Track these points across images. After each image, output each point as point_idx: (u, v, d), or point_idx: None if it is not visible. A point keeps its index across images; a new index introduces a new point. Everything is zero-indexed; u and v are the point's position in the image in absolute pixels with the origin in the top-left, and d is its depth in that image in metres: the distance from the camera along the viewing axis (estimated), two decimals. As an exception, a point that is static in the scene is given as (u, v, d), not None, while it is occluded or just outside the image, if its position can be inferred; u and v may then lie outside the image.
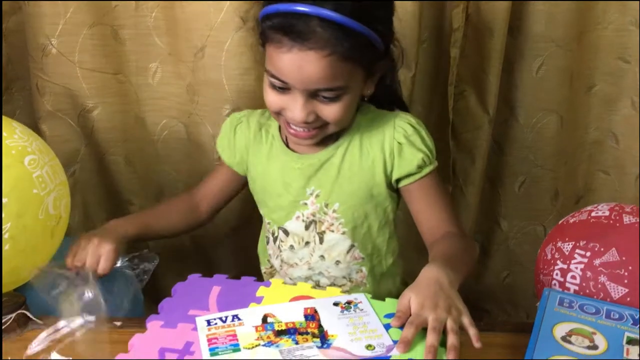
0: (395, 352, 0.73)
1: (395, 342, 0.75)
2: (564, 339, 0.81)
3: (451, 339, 0.74)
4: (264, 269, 1.19)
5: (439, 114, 1.41)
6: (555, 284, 0.98)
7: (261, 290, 0.86)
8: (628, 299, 0.91)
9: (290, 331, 0.77)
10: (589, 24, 1.35)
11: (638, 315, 0.85)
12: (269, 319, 0.80)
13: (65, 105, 1.31)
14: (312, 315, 0.80)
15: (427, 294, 0.78)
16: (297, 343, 0.75)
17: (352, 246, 1.05)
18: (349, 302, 0.83)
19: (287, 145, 1.06)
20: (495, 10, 1.27)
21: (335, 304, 0.83)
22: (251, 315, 0.80)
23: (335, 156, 1.01)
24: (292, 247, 1.08)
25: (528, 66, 1.35)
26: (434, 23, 1.35)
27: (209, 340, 0.76)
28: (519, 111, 1.40)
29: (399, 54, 1.03)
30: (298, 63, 0.87)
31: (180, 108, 1.35)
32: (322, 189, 1.02)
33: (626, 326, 0.84)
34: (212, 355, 0.73)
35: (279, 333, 0.77)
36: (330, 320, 0.80)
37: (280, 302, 0.83)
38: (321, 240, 1.05)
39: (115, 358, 0.73)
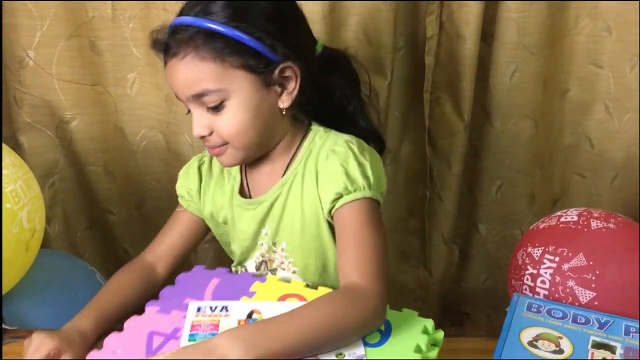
0: None
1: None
2: (530, 343, 0.84)
3: None
4: None
5: (415, 121, 1.44)
6: (526, 289, 1.01)
7: (255, 285, 0.89)
8: (596, 302, 0.94)
9: None
10: (562, 29, 1.38)
11: (604, 319, 0.88)
12: (254, 315, 0.82)
13: (43, 117, 1.33)
14: None
15: None
16: None
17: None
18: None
19: (245, 187, 1.02)
20: (468, 17, 1.29)
21: None
22: (240, 308, 0.83)
23: (282, 194, 0.96)
24: None
25: (502, 72, 1.38)
26: (410, 30, 1.37)
27: (192, 326, 0.80)
28: (494, 117, 1.42)
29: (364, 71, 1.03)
30: (170, 73, 0.89)
31: (159, 118, 1.38)
32: (270, 228, 0.99)
33: (592, 330, 0.87)
34: (189, 341, 0.77)
35: None
36: None
37: (269, 299, 0.86)
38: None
39: (110, 335, 0.79)
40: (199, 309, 0.83)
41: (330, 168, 0.90)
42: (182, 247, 1.05)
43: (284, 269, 1.00)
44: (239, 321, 0.81)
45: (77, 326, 0.86)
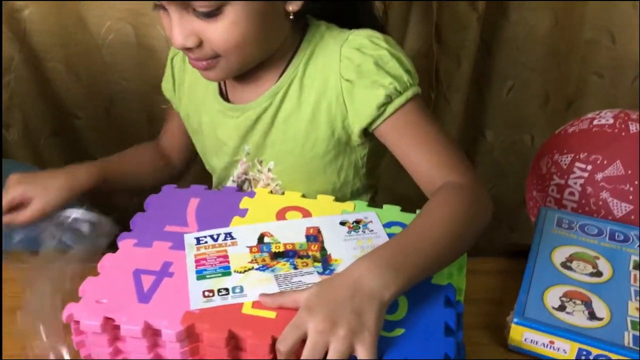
0: None
1: None
2: (564, 265, 0.74)
3: None
4: None
5: (421, 15, 1.28)
6: (550, 201, 0.90)
7: (245, 202, 0.77)
8: (632, 217, 0.84)
9: (288, 254, 0.68)
10: None
11: (645, 236, 0.78)
12: (266, 239, 0.70)
13: (-10, 4, 1.15)
14: (314, 236, 0.70)
15: (326, 300, 0.57)
16: (295, 268, 0.65)
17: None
18: (357, 222, 0.73)
19: (223, 92, 0.87)
20: None
21: (342, 224, 0.73)
22: (246, 233, 0.71)
23: (272, 105, 0.81)
24: None
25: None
26: None
27: (197, 261, 0.67)
28: (510, 7, 1.28)
29: None
30: None
31: (128, 7, 1.20)
32: (253, 146, 0.85)
33: (632, 248, 0.77)
34: (198, 279, 0.64)
35: (276, 255, 0.67)
36: (334, 242, 0.69)
37: (267, 215, 0.74)
38: None
39: (85, 282, 0.64)
40: (198, 241, 0.70)
41: (364, 72, 0.76)
42: (188, 142, 0.96)
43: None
44: (250, 248, 0.68)
45: (69, 172, 0.84)
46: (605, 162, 0.86)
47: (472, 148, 1.47)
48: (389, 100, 0.75)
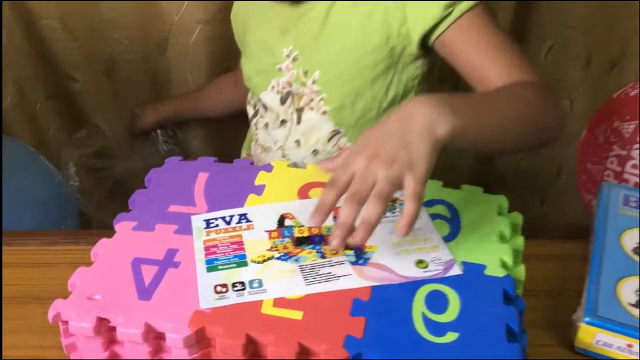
0: (454, 271, 0.55)
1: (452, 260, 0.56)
2: (636, 251, 0.63)
3: (365, 210, 0.50)
4: (243, 153, 1.00)
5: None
6: (609, 175, 0.80)
7: (262, 177, 0.66)
8: None
9: (314, 239, 0.57)
10: None
11: None
12: (287, 222, 0.60)
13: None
14: None
15: (375, 135, 0.54)
16: (323, 256, 0.55)
17: (335, 132, 0.82)
18: (393, 201, 0.61)
19: None
20: None
21: None
22: (264, 215, 0.60)
23: (320, 6, 0.77)
24: (267, 125, 0.88)
25: None
26: None
27: (206, 248, 0.57)
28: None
29: None
30: None
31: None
32: (300, 51, 0.80)
33: None
34: (209, 270, 0.54)
35: (300, 242, 0.57)
36: None
37: (287, 192, 0.64)
38: (299, 120, 0.84)
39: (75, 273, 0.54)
40: (207, 224, 0.60)
41: None
42: None
43: (312, 109, 0.82)
44: (270, 232, 0.58)
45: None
46: (675, 129, 0.75)
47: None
48: (452, 6, 0.71)
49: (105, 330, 0.50)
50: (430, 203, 0.63)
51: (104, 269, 0.55)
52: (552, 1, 1.20)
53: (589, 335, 0.56)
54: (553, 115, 0.67)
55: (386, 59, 0.77)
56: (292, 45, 0.81)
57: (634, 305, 0.57)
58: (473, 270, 0.54)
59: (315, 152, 0.85)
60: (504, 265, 0.55)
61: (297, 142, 0.85)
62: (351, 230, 0.49)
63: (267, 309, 0.50)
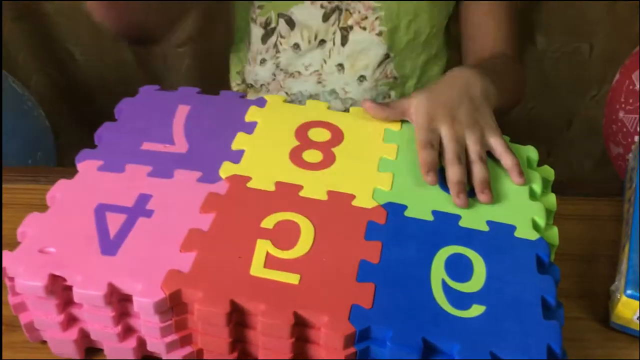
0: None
1: None
2: None
3: (477, 170, 0.52)
4: (233, 84, 0.88)
5: None
6: (643, 126, 0.71)
7: (253, 113, 0.57)
8: None
9: None
10: None
11: None
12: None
13: None
14: None
15: (442, 100, 0.56)
16: None
17: (387, 56, 0.77)
18: None
19: None
20: None
21: None
22: None
23: None
24: (297, 46, 0.78)
25: None
26: None
27: None
28: None
29: None
30: None
31: None
32: None
33: None
34: None
35: None
36: None
37: (283, 132, 0.55)
38: (344, 40, 0.76)
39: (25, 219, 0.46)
40: None
41: None
42: None
43: (364, 28, 0.76)
44: None
45: None
46: None
47: (519, 56, 1.27)
48: None
49: (61, 289, 0.42)
50: None
51: (61, 216, 0.46)
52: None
53: (630, 309, 0.48)
54: (524, 87, 0.79)
55: None
56: None
57: (682, 276, 0.49)
58: (501, 232, 0.46)
59: (361, 78, 0.78)
60: (536, 226, 0.47)
61: (340, 65, 0.78)
62: (464, 186, 0.51)
63: (257, 271, 0.42)
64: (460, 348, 0.38)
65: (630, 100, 0.74)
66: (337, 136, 0.55)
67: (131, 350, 0.43)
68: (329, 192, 0.49)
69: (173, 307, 0.41)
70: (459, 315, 0.40)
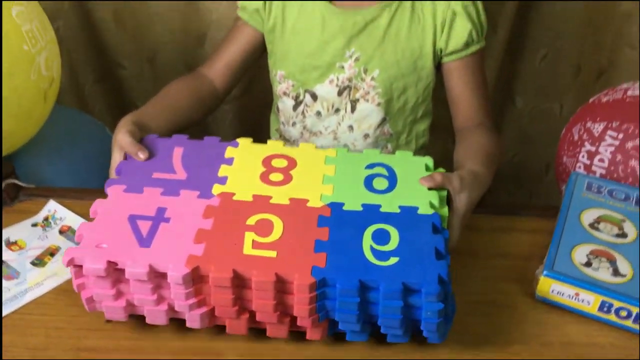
0: None
1: None
2: (591, 225, 0.77)
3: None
4: (274, 139, 1.10)
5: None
6: (580, 167, 0.91)
7: (230, 151, 0.78)
8: (659, 185, 0.84)
9: None
10: None
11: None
12: None
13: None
14: None
15: (460, 183, 0.75)
16: None
17: (384, 120, 0.99)
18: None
19: None
20: None
21: None
22: None
23: (382, 17, 0.93)
24: (319, 113, 1.00)
25: None
26: None
27: None
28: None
29: None
30: None
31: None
32: (362, 53, 0.95)
33: (657, 212, 0.78)
34: None
35: None
36: None
37: (252, 164, 0.75)
38: (353, 109, 0.99)
39: (79, 227, 0.66)
40: None
41: (465, 11, 0.92)
42: (242, 62, 1.01)
43: (367, 100, 0.98)
44: None
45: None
46: (636, 131, 0.86)
47: (500, 114, 1.46)
48: (471, 40, 0.93)
49: (112, 271, 0.61)
50: (371, 166, 0.76)
51: (105, 224, 0.65)
52: (546, 14, 1.31)
53: (547, 285, 0.70)
54: (503, 150, 0.94)
55: (429, 65, 0.95)
56: (355, 47, 0.94)
57: (584, 265, 0.71)
58: (409, 212, 0.68)
59: (366, 135, 1.00)
60: (432, 206, 0.69)
61: (350, 127, 1.00)
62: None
63: (248, 251, 0.62)
64: (384, 285, 0.58)
65: (571, 148, 0.94)
66: (292, 163, 0.76)
67: (164, 312, 0.62)
68: (290, 199, 0.70)
69: (193, 279, 0.60)
70: (382, 265, 0.61)
